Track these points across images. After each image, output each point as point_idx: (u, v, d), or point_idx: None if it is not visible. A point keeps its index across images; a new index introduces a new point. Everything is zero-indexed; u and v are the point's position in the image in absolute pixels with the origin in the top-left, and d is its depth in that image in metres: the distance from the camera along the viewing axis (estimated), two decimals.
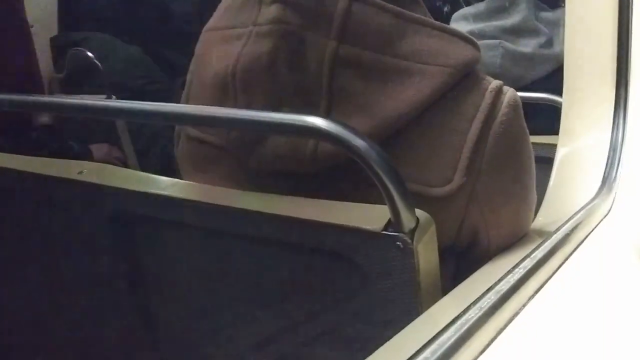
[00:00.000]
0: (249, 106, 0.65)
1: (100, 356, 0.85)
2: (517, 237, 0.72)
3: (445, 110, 0.64)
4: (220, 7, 0.72)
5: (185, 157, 0.76)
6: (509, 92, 0.67)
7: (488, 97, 0.65)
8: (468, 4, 1.52)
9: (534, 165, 0.71)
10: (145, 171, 0.83)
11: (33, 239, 0.85)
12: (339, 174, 0.65)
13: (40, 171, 0.81)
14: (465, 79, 0.65)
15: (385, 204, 0.58)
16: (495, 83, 0.67)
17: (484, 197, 0.65)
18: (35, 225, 0.84)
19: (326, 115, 0.63)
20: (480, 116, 0.64)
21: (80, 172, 0.77)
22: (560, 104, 0.96)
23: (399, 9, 0.65)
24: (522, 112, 0.68)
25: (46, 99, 0.79)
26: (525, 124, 0.69)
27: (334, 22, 0.63)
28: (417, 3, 0.69)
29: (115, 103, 0.82)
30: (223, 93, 0.66)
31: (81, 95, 1.85)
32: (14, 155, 0.86)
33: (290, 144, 0.64)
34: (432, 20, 0.67)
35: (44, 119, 1.34)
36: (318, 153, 0.64)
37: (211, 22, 0.72)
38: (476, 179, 0.64)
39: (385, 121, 0.62)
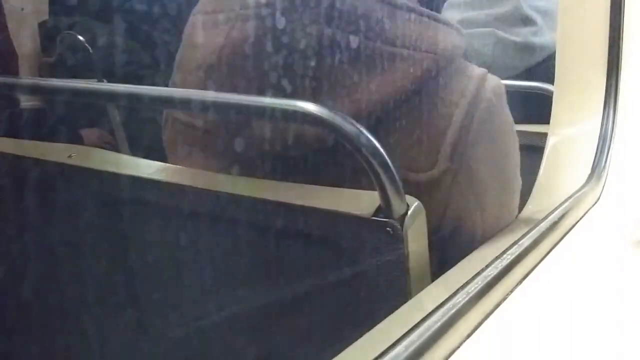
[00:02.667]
0: (234, 90, 0.65)
1: (87, 340, 0.85)
2: (503, 224, 0.72)
3: (429, 96, 0.65)
4: None
5: (171, 141, 0.76)
6: (493, 80, 0.67)
7: (472, 84, 0.65)
8: None
9: (518, 151, 0.72)
10: (136, 156, 0.83)
11: (20, 222, 0.85)
12: (325, 158, 0.65)
13: (30, 154, 0.80)
14: (449, 65, 0.66)
15: (375, 190, 0.58)
16: (479, 70, 0.67)
17: (467, 181, 0.66)
18: (22, 208, 0.84)
19: (312, 99, 0.63)
20: (464, 102, 0.64)
21: (70, 156, 0.77)
22: (552, 92, 0.96)
23: None
24: (505, 99, 0.68)
25: (38, 82, 0.79)
26: (509, 111, 0.69)
27: (322, 6, 0.64)
28: None
29: (106, 87, 0.81)
30: (209, 77, 0.67)
31: (72, 80, 1.85)
32: (4, 138, 0.86)
33: (275, 127, 0.65)
34: (419, 7, 0.67)
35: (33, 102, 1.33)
36: (303, 136, 0.64)
37: (199, 5, 0.72)
38: (460, 164, 0.65)
39: (370, 105, 0.63)
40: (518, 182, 0.74)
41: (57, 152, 0.78)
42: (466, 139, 0.64)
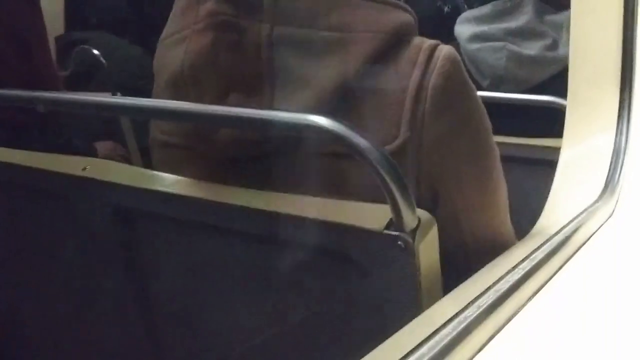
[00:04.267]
0: (200, 99, 0.68)
1: (98, 349, 0.85)
2: (483, 190, 0.73)
3: (382, 72, 0.67)
4: (170, 17, 0.76)
5: (158, 164, 0.79)
6: (446, 48, 0.69)
7: (422, 54, 0.67)
8: (470, 5, 1.52)
9: (486, 117, 0.72)
10: (148, 168, 0.84)
11: (35, 233, 0.86)
12: (293, 150, 0.68)
13: (46, 166, 0.81)
14: (400, 42, 0.68)
15: (381, 202, 0.58)
16: (429, 42, 0.69)
17: (432, 145, 0.67)
18: (38, 220, 0.85)
19: (270, 95, 0.67)
20: (416, 72, 0.67)
21: (84, 169, 0.77)
22: (565, 106, 0.96)
23: None
24: (462, 66, 0.70)
25: (52, 95, 0.80)
26: (467, 77, 0.71)
27: (265, 7, 0.67)
28: None
29: (118, 100, 0.82)
30: (176, 92, 0.70)
31: (86, 93, 1.86)
32: (20, 151, 0.87)
33: (239, 130, 0.68)
34: None
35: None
36: (267, 135, 0.67)
37: (164, 32, 0.76)
38: (421, 130, 0.66)
39: (325, 91, 0.66)
40: (493, 149, 0.74)
41: (72, 164, 0.79)
42: (423, 106, 0.66)
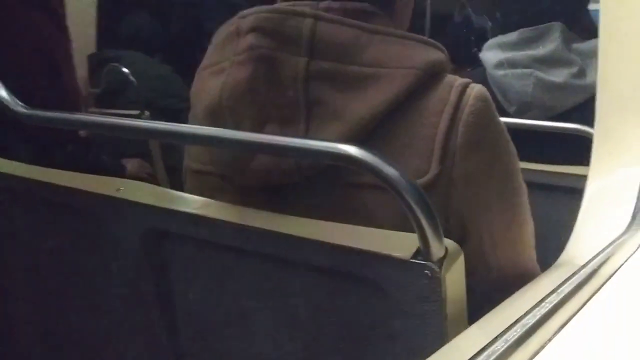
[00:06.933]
0: (236, 129, 0.70)
1: None
2: (511, 226, 0.74)
3: (414, 108, 0.69)
4: (210, 47, 0.78)
5: (192, 191, 0.80)
6: (477, 87, 0.71)
7: (454, 92, 0.69)
8: (494, 34, 1.52)
9: (515, 154, 0.74)
10: (175, 186, 0.86)
11: (68, 251, 0.88)
12: (322, 181, 0.70)
13: (80, 186, 0.83)
14: (432, 79, 0.70)
15: (411, 230, 0.59)
16: (461, 80, 0.71)
17: (461, 181, 0.69)
18: (71, 238, 0.87)
19: (305, 126, 0.69)
20: (448, 109, 0.68)
21: (119, 189, 0.79)
22: (591, 135, 0.96)
23: (360, 22, 0.71)
24: (492, 105, 0.71)
25: (79, 116, 0.82)
26: (497, 116, 0.72)
27: (303, 41, 0.70)
28: (380, 15, 0.74)
29: (144, 123, 0.84)
30: (214, 121, 0.72)
31: (116, 111, 1.90)
32: (58, 171, 0.89)
33: (273, 159, 0.69)
34: (394, 29, 0.73)
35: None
36: (299, 164, 0.69)
37: (203, 62, 0.78)
38: (452, 166, 0.68)
39: (358, 124, 0.68)
40: (520, 185, 0.75)
41: (107, 185, 0.81)
42: (455, 143, 0.68)
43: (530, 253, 0.77)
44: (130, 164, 1.76)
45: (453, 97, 0.69)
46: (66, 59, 1.31)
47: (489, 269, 0.73)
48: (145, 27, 2.35)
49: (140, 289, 0.83)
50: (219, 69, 0.73)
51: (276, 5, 0.74)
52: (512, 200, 0.74)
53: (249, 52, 0.70)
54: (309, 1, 0.73)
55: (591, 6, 1.48)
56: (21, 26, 1.24)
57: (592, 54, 1.37)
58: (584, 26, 1.46)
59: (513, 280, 0.71)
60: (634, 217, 0.81)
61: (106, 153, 1.51)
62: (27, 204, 0.94)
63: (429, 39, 0.73)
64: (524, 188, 0.76)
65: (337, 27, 0.70)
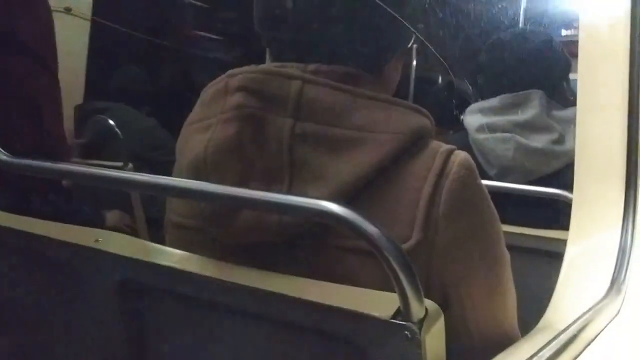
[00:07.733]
0: (220, 184, 0.69)
1: None
2: (493, 294, 0.73)
3: (398, 173, 0.69)
4: (197, 104, 0.79)
5: (172, 244, 0.79)
6: (461, 154, 0.71)
7: (439, 158, 0.69)
8: (475, 99, 1.56)
9: (498, 222, 0.74)
10: (155, 239, 0.85)
11: (43, 301, 0.86)
12: (305, 242, 0.69)
13: (58, 236, 0.82)
14: (416, 144, 0.70)
15: (388, 290, 0.58)
16: (445, 147, 0.71)
17: (444, 249, 0.68)
18: (47, 288, 0.85)
19: (289, 185, 0.69)
20: (432, 175, 0.68)
21: (97, 240, 0.78)
22: (571, 199, 0.97)
23: (347, 86, 0.71)
24: (476, 172, 0.72)
25: (62, 166, 0.81)
26: (481, 183, 0.72)
27: (289, 103, 0.70)
28: (368, 79, 0.75)
29: (125, 175, 0.84)
30: (197, 177, 0.71)
31: (100, 162, 1.90)
32: (35, 220, 0.88)
33: (257, 216, 0.69)
34: (380, 94, 0.73)
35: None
36: (283, 223, 0.68)
37: (190, 117, 0.79)
38: (434, 234, 0.68)
39: (342, 186, 0.67)
40: (503, 253, 0.75)
41: (84, 235, 0.80)
42: (437, 210, 0.68)
43: (512, 320, 0.77)
44: (110, 215, 1.74)
45: (437, 163, 0.69)
46: (54, 109, 1.32)
47: (470, 335, 0.72)
48: (133, 80, 2.38)
49: (114, 342, 0.81)
50: (205, 126, 0.73)
51: (265, 66, 0.75)
52: (494, 268, 0.74)
53: (236, 111, 0.70)
54: (298, 63, 0.73)
55: (572, 75, 1.52)
56: (10, 75, 1.25)
57: (572, 121, 1.40)
58: (565, 94, 1.50)
59: (493, 346, 0.71)
60: (612, 283, 0.82)
61: (86, 203, 1.50)
62: (1, 252, 0.93)
63: (415, 105, 0.74)
64: (506, 255, 0.75)
65: (324, 91, 0.71)
